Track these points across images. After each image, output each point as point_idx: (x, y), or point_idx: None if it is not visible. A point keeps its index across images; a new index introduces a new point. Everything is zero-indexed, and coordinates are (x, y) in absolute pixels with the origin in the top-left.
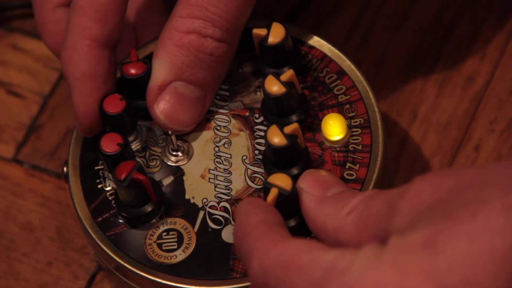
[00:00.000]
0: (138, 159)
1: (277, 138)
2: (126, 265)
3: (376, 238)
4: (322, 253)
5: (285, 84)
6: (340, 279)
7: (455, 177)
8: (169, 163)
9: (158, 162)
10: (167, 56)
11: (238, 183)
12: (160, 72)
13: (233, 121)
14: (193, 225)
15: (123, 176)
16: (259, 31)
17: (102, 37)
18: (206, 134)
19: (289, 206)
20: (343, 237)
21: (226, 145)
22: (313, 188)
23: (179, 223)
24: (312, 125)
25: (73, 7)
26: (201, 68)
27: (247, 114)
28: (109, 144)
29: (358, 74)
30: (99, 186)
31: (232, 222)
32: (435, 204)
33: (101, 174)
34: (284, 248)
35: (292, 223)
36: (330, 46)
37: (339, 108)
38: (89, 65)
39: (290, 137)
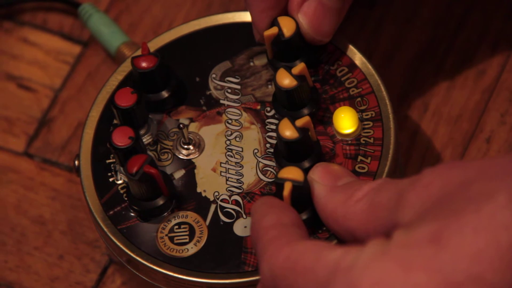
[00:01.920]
0: (150, 153)
1: (288, 131)
2: (137, 258)
3: (383, 227)
4: (327, 253)
5: (296, 77)
6: (345, 277)
7: (463, 170)
8: (180, 157)
9: (170, 155)
10: None
11: (249, 176)
12: None
13: (244, 114)
14: (204, 219)
15: (134, 170)
16: (271, 31)
17: None
18: (217, 128)
19: (302, 199)
20: (351, 224)
21: (237, 139)
22: (324, 178)
23: (191, 217)
24: (324, 118)
25: None
26: None
27: (259, 107)
28: (121, 138)
29: (370, 67)
30: (111, 179)
31: (244, 216)
32: (442, 198)
33: (112, 168)
34: (291, 251)
35: (304, 216)
36: (341, 39)
37: (351, 101)
38: None
39: (301, 130)
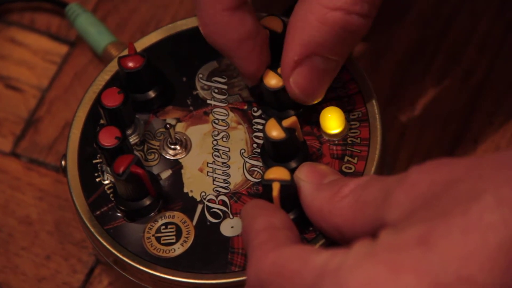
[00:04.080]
0: (136, 153)
1: (275, 131)
2: (124, 258)
3: (370, 224)
4: (314, 256)
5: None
6: (332, 280)
7: (451, 168)
8: (167, 157)
9: (156, 155)
10: (308, 30)
11: (236, 176)
12: (298, 45)
13: (231, 114)
14: (191, 219)
15: (121, 170)
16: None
17: (233, 3)
18: (204, 128)
19: (290, 198)
20: (338, 221)
21: (224, 139)
22: (310, 176)
23: (178, 217)
24: (311, 119)
25: None
26: (341, 44)
27: (245, 107)
28: (107, 138)
29: (357, 67)
30: (97, 179)
31: (231, 216)
32: (429, 198)
33: (99, 168)
34: (278, 256)
35: (291, 216)
36: None
37: (338, 101)
38: (237, 32)
39: (288, 130)
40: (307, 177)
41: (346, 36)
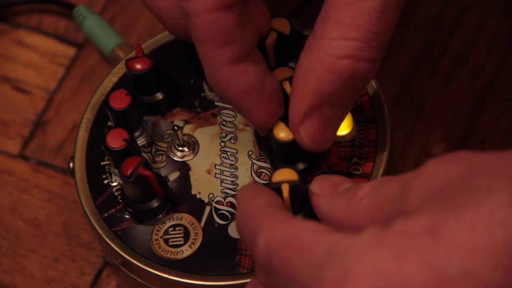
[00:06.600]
0: (144, 155)
1: (283, 133)
2: (132, 260)
3: (389, 220)
4: (326, 235)
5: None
6: (338, 261)
7: (469, 162)
8: (175, 159)
9: (164, 157)
10: (316, 81)
11: (244, 178)
12: (307, 96)
13: (239, 116)
14: (199, 221)
15: (129, 172)
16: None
17: (234, 57)
18: (212, 129)
19: (299, 198)
20: (358, 223)
21: (232, 140)
22: (323, 189)
23: (186, 219)
24: None
25: (194, 39)
26: (351, 91)
27: None
28: (115, 140)
29: None
30: (105, 181)
31: None
32: (444, 189)
33: (107, 170)
34: (290, 227)
35: (300, 217)
36: None
37: None
38: (239, 86)
39: None
40: (320, 189)
41: (355, 83)
